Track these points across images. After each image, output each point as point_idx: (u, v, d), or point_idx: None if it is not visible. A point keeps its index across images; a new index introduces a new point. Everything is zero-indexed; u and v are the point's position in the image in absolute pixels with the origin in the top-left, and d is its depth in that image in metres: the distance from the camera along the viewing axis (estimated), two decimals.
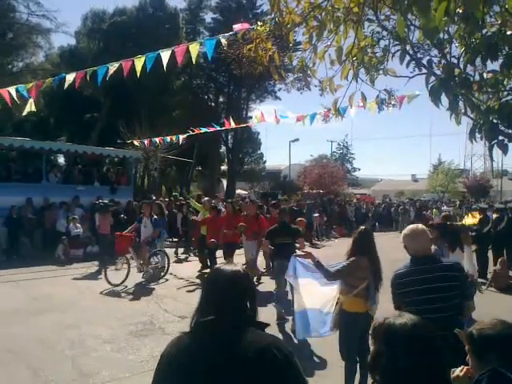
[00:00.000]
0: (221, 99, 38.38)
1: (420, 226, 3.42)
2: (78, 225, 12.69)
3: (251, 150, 43.25)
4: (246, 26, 4.33)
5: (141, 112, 24.85)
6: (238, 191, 35.80)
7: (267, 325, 1.76)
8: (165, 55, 5.40)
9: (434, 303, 3.00)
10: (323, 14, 3.05)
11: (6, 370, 4.92)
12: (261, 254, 9.99)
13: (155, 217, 9.88)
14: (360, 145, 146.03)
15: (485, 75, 2.67)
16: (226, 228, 9.60)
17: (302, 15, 3.11)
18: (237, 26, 4.45)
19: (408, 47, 2.91)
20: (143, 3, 31.39)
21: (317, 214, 19.71)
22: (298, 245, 6.98)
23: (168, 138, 15.48)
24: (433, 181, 40.96)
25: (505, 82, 2.70)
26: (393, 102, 3.73)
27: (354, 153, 64.12)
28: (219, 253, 10.03)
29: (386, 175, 63.79)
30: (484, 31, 2.53)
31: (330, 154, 50.74)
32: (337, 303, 4.34)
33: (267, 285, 8.80)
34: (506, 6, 2.47)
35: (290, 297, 4.78)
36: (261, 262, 10.31)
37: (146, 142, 16.76)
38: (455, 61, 2.76)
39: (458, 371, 2.09)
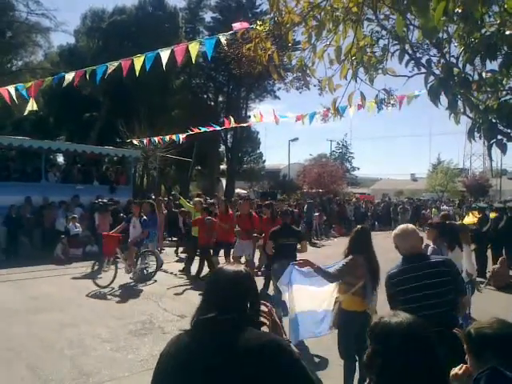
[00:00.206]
0: (220, 98, 38.41)
1: (410, 225, 3.48)
2: (78, 224, 12.69)
3: (250, 150, 43.27)
4: (246, 25, 4.33)
5: (140, 111, 24.84)
6: (238, 190, 35.84)
7: (264, 323, 1.77)
8: (164, 54, 5.40)
9: (427, 300, 3.03)
10: (322, 13, 3.05)
11: (5, 369, 4.93)
12: (257, 254, 9.89)
13: (144, 217, 9.72)
14: (359, 144, 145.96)
15: (484, 75, 2.67)
16: (219, 227, 9.42)
17: (301, 15, 3.11)
18: (236, 25, 4.46)
19: (407, 47, 2.91)
20: (143, 2, 31.38)
21: (316, 213, 19.74)
22: (299, 246, 7.04)
23: (167, 138, 15.47)
24: (432, 180, 41.00)
25: (504, 82, 2.70)
26: (392, 102, 3.73)
27: (353, 152, 64.29)
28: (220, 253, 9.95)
29: (386, 174, 63.77)
30: (483, 31, 2.53)
31: (330, 154, 50.90)
32: (335, 302, 4.35)
33: (260, 286, 8.79)
34: (505, 6, 2.48)
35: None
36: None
37: (145, 141, 16.76)
38: (454, 60, 2.76)
39: (456, 369, 2.10)
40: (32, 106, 6.72)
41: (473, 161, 60.49)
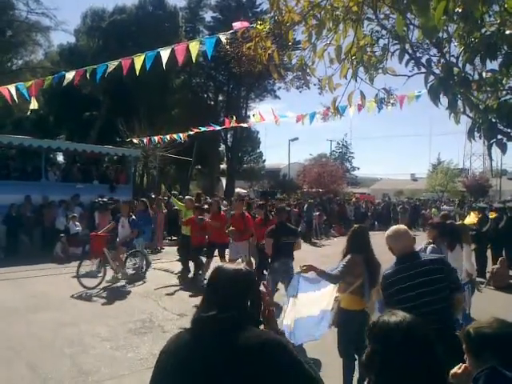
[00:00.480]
0: (220, 98, 38.39)
1: (402, 226, 3.55)
2: (77, 223, 12.69)
3: (250, 149, 43.27)
4: (246, 24, 4.33)
5: (140, 110, 24.86)
6: (238, 190, 35.80)
7: (262, 322, 1.77)
8: (164, 54, 5.40)
9: (422, 298, 3.06)
10: (322, 12, 3.05)
11: (5, 368, 4.93)
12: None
13: (133, 217, 9.55)
14: (359, 144, 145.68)
15: (484, 74, 2.67)
16: (211, 227, 9.27)
17: (302, 14, 3.11)
18: (236, 24, 4.45)
19: (407, 46, 2.91)
20: (143, 2, 31.37)
21: (316, 213, 19.75)
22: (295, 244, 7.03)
23: (167, 137, 15.47)
24: (432, 180, 40.99)
25: (504, 82, 2.70)
26: (392, 101, 3.73)
27: (353, 152, 64.13)
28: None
29: (385, 174, 63.76)
30: (483, 30, 2.53)
31: (330, 153, 50.83)
32: (335, 301, 4.35)
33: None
34: (506, 6, 2.48)
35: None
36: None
37: (145, 140, 16.76)
38: (454, 60, 2.76)
39: (456, 368, 2.10)
40: (34, 104, 6.73)
41: (473, 161, 60.50)
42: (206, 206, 10.75)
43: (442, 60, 2.82)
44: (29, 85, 6.70)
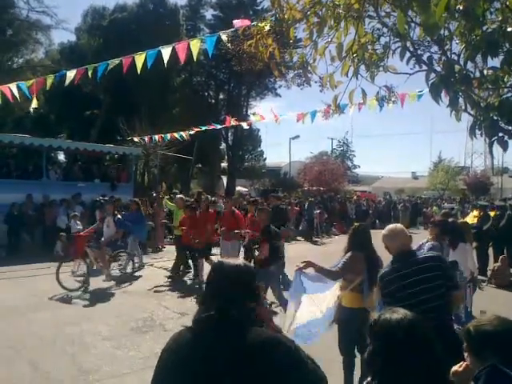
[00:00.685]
0: (221, 96, 38.29)
1: (398, 225, 3.55)
2: (79, 222, 12.69)
3: (251, 147, 43.19)
4: (247, 22, 4.32)
5: (141, 109, 24.83)
6: (239, 188, 35.78)
7: (263, 322, 1.76)
8: (165, 52, 5.40)
9: (418, 296, 3.05)
10: (324, 10, 3.05)
11: (6, 367, 4.94)
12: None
13: (118, 216, 9.37)
14: (360, 142, 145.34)
15: (485, 72, 2.67)
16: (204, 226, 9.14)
17: (303, 11, 3.11)
18: (237, 22, 4.45)
19: (408, 44, 2.90)
20: (143, 0, 31.31)
21: (317, 211, 19.76)
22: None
23: (168, 136, 15.47)
24: (433, 178, 40.96)
25: (505, 79, 2.69)
26: (393, 99, 3.72)
27: (354, 150, 63.88)
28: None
29: (387, 172, 63.64)
30: (484, 28, 2.52)
31: (331, 151, 50.63)
32: (337, 299, 4.34)
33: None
34: (507, 3, 2.47)
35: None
36: None
37: (146, 138, 16.75)
38: (455, 57, 2.75)
39: (456, 366, 2.09)
40: (34, 103, 6.75)
41: (474, 159, 60.15)
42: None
43: (444, 57, 2.82)
44: (30, 83, 6.71)
